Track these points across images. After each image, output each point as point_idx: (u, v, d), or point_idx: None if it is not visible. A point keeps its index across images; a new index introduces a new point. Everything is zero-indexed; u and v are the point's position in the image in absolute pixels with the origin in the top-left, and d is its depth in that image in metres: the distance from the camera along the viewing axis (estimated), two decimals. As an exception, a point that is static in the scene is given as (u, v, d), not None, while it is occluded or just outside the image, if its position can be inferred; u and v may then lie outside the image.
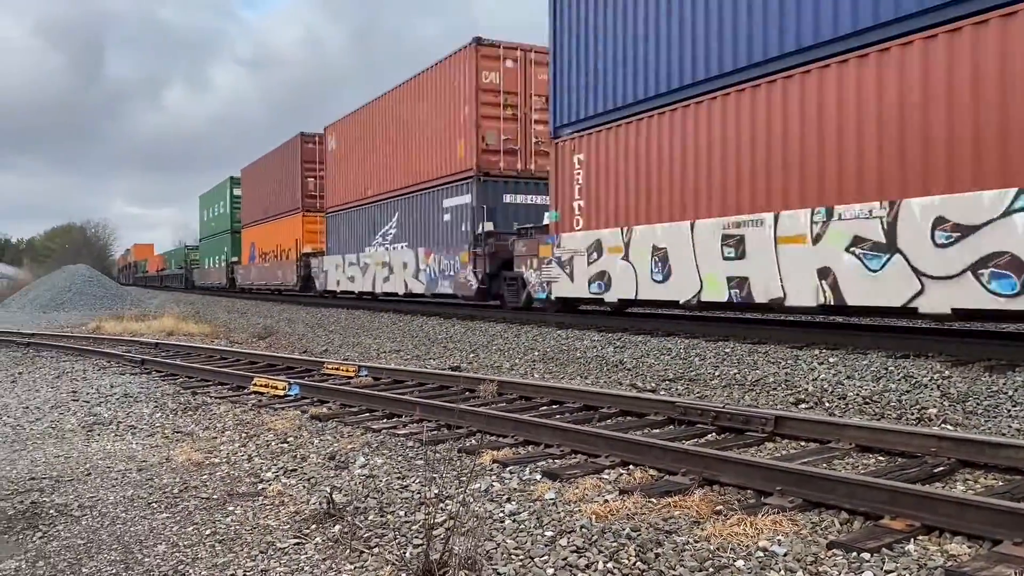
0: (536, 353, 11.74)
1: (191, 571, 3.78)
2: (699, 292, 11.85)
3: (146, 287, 77.08)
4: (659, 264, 12.67)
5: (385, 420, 7.17)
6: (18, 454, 6.39)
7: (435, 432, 6.49)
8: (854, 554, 3.52)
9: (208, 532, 4.33)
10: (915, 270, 8.90)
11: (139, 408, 8.31)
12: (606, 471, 5.11)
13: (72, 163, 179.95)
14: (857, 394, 7.46)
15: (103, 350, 14.12)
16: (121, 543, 4.22)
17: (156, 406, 8.39)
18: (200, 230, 53.74)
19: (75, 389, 9.77)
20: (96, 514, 4.74)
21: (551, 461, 5.44)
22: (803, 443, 5.73)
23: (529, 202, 18.86)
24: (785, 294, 10.54)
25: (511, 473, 5.14)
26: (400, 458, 5.72)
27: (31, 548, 4.24)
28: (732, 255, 11.29)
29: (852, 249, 9.61)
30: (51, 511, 4.82)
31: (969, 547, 3.57)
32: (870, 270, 9.41)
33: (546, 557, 3.67)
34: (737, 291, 11.24)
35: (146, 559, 3.98)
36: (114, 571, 3.85)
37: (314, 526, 4.30)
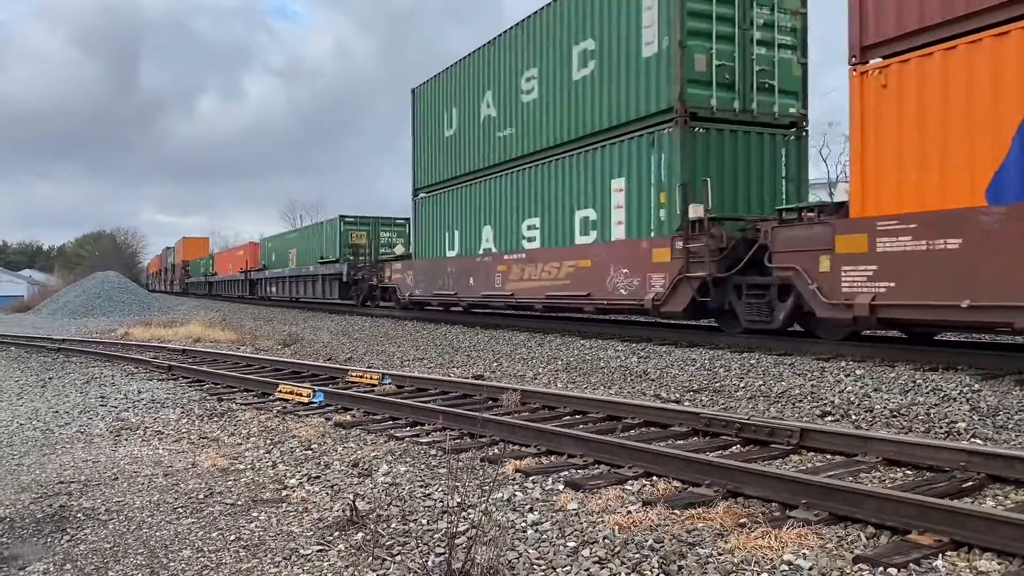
0: (559, 362, 11.72)
1: (215, 576, 3.81)
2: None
3: (210, 297, 54.16)
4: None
5: (408, 428, 7.19)
6: (47, 458, 6.49)
7: (458, 441, 6.49)
8: (881, 569, 3.48)
9: (233, 538, 4.36)
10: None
11: (166, 414, 8.41)
12: (629, 482, 5.08)
13: (104, 171, 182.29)
14: (884, 407, 7.36)
15: (131, 356, 14.30)
16: (147, 547, 4.27)
17: (182, 412, 8.48)
18: (423, 168, 22.61)
19: (104, 394, 9.90)
20: (123, 518, 4.80)
21: (574, 471, 5.42)
22: (829, 456, 5.67)
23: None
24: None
25: (534, 483, 5.13)
26: (423, 466, 5.73)
27: (59, 551, 4.30)
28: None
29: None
30: (79, 515, 4.89)
31: (999, 564, 3.51)
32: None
33: (568, 568, 3.66)
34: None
35: (171, 564, 4.02)
36: (140, 575, 3.89)
37: (337, 533, 4.32)
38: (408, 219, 30.88)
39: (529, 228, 16.98)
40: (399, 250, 27.17)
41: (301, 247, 37.27)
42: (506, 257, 17.64)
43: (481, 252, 18.83)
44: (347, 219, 32.15)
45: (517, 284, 17.04)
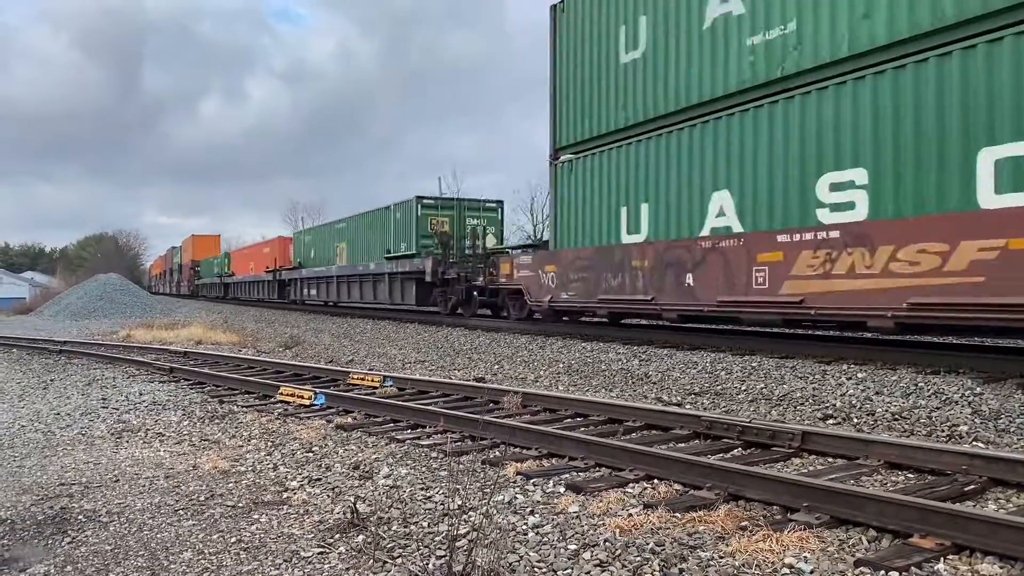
0: (561, 365, 11.72)
1: (216, 578, 3.81)
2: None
3: (225, 301, 47.46)
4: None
5: (409, 431, 7.18)
6: (48, 460, 6.49)
7: (459, 443, 6.50)
8: (882, 572, 3.47)
9: (233, 540, 4.36)
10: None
11: (167, 416, 8.41)
12: (630, 485, 5.08)
13: (107, 173, 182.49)
14: (886, 410, 7.36)
15: (133, 358, 14.31)
16: (148, 549, 4.27)
17: (184, 414, 8.48)
18: (573, 116, 15.27)
19: (105, 396, 9.90)
20: (124, 520, 4.79)
21: (575, 474, 5.42)
22: (831, 459, 5.66)
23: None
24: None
25: (535, 485, 5.12)
26: (424, 469, 5.73)
27: (60, 553, 4.30)
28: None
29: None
30: (80, 517, 4.89)
31: (1001, 567, 3.50)
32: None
33: (569, 571, 3.65)
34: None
35: (172, 566, 4.02)
36: (141, 577, 3.89)
37: (338, 535, 4.31)
38: (500, 201, 25.12)
39: (835, 188, 10.03)
40: (491, 242, 22.05)
41: (355, 239, 28.91)
42: (780, 238, 10.51)
43: (707, 233, 11.98)
44: (425, 201, 24.03)
45: (810, 284, 10.04)
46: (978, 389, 7.83)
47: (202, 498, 5.21)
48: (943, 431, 6.64)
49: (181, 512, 4.92)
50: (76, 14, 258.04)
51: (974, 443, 6.22)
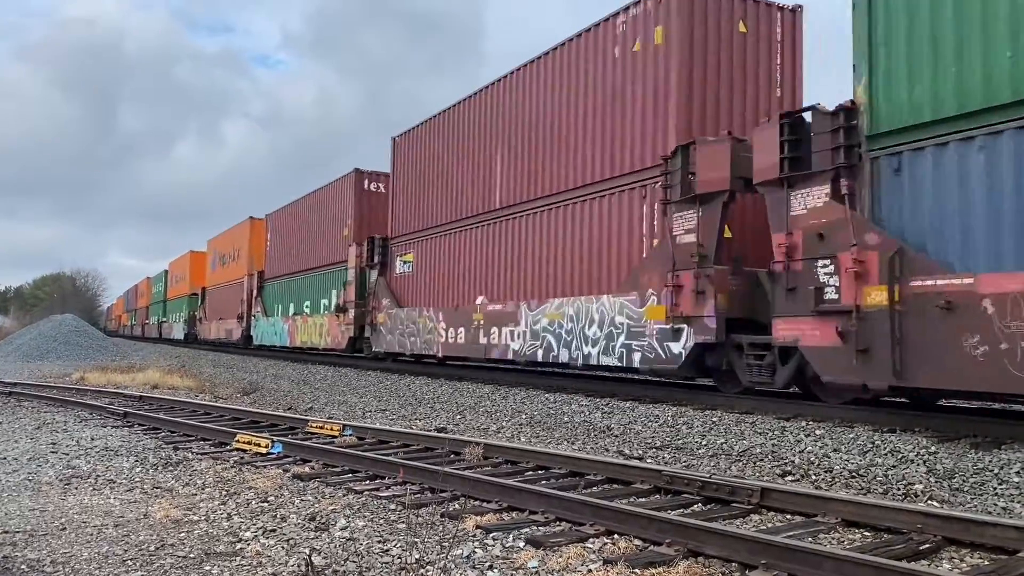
0: (523, 416, 11.68)
1: (163, 633, 3.69)
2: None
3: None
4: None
5: (368, 481, 7.08)
6: (-8, 506, 6.27)
7: (418, 495, 6.41)
8: (839, 632, 3.48)
9: (183, 592, 4.24)
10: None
11: (119, 462, 8.19)
12: (590, 540, 5.05)
13: (74, 212, 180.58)
14: (844, 467, 7.43)
15: (86, 401, 13.96)
16: (93, 602, 4.13)
17: (136, 460, 8.27)
18: None
19: (55, 441, 9.64)
20: (69, 570, 4.64)
21: (535, 528, 5.38)
22: (789, 516, 5.69)
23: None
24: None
25: (494, 539, 5.07)
26: (382, 521, 5.64)
27: (0, 605, 4.14)
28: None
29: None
30: (23, 566, 4.72)
31: (955, 628, 3.53)
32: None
33: (527, 627, 3.61)
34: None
35: (117, 619, 3.89)
36: (84, 631, 3.75)
37: (291, 589, 4.22)
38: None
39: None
40: None
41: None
42: None
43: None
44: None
45: None
46: (933, 448, 7.95)
47: (152, 548, 5.07)
48: (899, 489, 6.71)
49: (129, 563, 4.77)
50: (56, 54, 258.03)
51: (929, 502, 6.30)
